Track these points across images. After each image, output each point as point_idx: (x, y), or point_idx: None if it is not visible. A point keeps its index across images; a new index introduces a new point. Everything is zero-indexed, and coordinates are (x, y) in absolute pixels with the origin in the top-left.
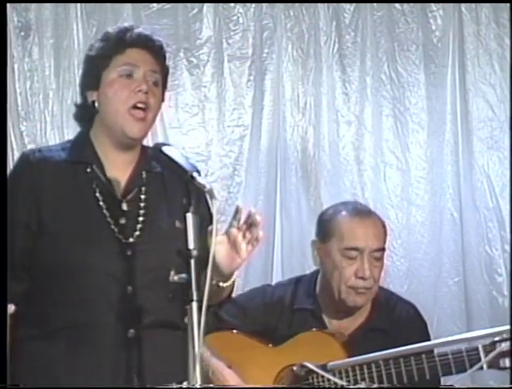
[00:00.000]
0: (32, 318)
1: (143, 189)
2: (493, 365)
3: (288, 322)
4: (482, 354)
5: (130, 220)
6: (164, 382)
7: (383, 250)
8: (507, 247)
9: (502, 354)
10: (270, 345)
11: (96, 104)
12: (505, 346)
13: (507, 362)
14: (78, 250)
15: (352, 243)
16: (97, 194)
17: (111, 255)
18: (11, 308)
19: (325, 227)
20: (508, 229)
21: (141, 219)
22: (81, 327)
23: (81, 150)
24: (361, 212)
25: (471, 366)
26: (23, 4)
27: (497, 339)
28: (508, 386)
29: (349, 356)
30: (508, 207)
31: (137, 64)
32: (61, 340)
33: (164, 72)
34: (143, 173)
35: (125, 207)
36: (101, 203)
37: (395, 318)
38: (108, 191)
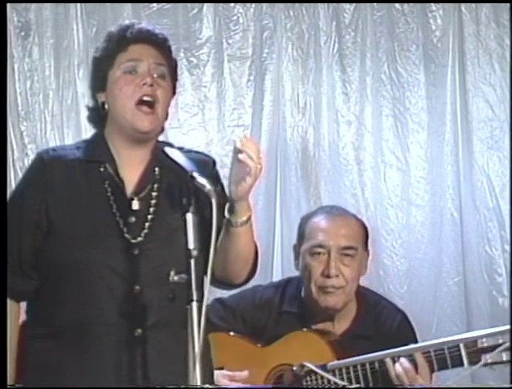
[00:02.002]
0: (41, 316)
1: (155, 186)
2: (475, 361)
3: (275, 324)
4: (463, 351)
5: (140, 219)
6: (170, 382)
7: (355, 249)
8: (507, 247)
9: (482, 350)
10: (259, 345)
11: (106, 105)
12: (485, 341)
13: (489, 358)
14: (85, 249)
15: (317, 240)
16: (108, 194)
17: (118, 255)
18: (23, 306)
19: (299, 230)
20: (508, 229)
21: (150, 217)
22: (88, 327)
23: (95, 149)
24: (333, 213)
25: (453, 363)
26: (23, 4)
27: (478, 334)
28: (508, 386)
29: (337, 357)
30: (508, 207)
31: (140, 58)
32: (67, 339)
33: (172, 64)
34: (156, 169)
35: (135, 206)
36: (112, 202)
37: (380, 325)
38: (119, 190)
